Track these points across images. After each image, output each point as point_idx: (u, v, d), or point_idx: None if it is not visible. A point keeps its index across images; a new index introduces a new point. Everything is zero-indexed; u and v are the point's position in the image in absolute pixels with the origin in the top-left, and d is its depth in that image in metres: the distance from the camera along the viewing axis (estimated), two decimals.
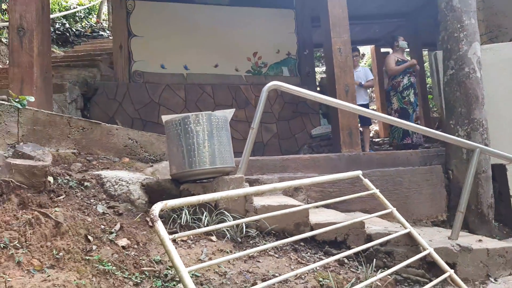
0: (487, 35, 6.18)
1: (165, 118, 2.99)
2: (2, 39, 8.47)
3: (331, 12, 4.92)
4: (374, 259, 2.58)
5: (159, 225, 1.82)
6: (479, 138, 4.04)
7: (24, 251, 1.91)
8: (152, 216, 1.83)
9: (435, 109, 11.35)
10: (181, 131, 2.80)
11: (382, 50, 11.09)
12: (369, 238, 2.76)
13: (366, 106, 6.28)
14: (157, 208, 1.85)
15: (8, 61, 4.33)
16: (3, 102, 3.13)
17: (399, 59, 5.89)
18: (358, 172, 2.99)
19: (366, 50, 15.55)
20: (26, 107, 3.16)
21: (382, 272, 2.38)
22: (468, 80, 4.23)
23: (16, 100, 2.85)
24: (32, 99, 2.93)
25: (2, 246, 1.88)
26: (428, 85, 10.83)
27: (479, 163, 3.79)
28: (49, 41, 4.34)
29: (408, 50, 6.17)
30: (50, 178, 2.52)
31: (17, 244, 1.93)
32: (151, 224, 2.52)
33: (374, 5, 7.98)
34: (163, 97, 6.06)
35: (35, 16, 3.96)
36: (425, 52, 10.97)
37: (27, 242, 1.96)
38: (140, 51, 6.23)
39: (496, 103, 4.49)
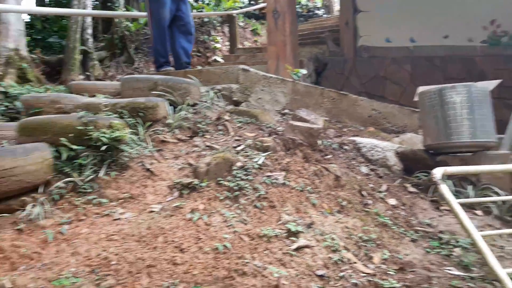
0: None
1: (420, 89, 3.03)
2: (240, 23, 9.88)
3: None
4: None
5: (445, 189, 1.90)
6: None
7: (315, 196, 2.30)
8: (435, 180, 1.93)
9: None
10: (437, 103, 2.78)
11: None
12: None
13: None
14: (438, 172, 1.94)
15: (266, 41, 5.02)
16: (271, 75, 3.74)
17: None
18: None
19: None
20: (286, 79, 3.70)
21: None
22: None
23: (293, 73, 3.35)
24: (304, 71, 3.41)
25: (299, 190, 2.31)
26: None
27: None
28: (296, 21, 4.88)
29: None
30: (318, 140, 2.91)
31: (310, 189, 2.33)
32: (411, 190, 2.64)
33: None
34: (388, 71, 6.04)
35: None
36: None
37: (316, 189, 2.36)
38: (366, 26, 6.32)
39: None
